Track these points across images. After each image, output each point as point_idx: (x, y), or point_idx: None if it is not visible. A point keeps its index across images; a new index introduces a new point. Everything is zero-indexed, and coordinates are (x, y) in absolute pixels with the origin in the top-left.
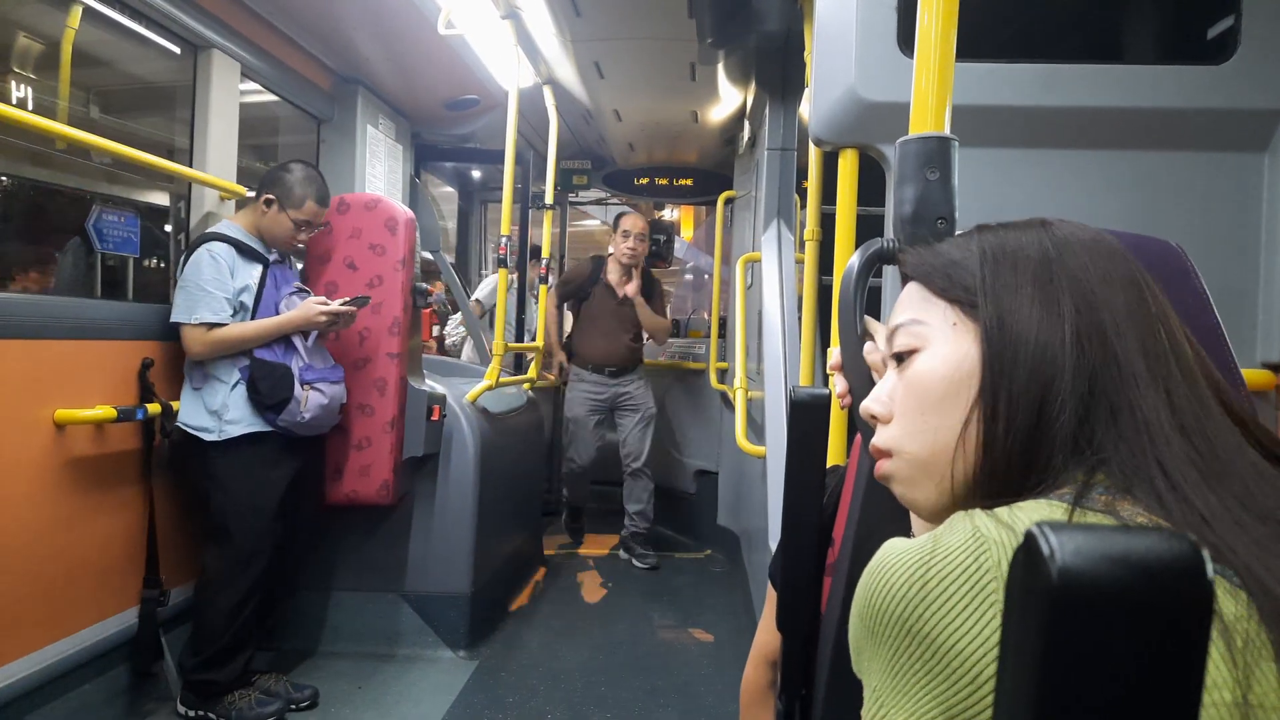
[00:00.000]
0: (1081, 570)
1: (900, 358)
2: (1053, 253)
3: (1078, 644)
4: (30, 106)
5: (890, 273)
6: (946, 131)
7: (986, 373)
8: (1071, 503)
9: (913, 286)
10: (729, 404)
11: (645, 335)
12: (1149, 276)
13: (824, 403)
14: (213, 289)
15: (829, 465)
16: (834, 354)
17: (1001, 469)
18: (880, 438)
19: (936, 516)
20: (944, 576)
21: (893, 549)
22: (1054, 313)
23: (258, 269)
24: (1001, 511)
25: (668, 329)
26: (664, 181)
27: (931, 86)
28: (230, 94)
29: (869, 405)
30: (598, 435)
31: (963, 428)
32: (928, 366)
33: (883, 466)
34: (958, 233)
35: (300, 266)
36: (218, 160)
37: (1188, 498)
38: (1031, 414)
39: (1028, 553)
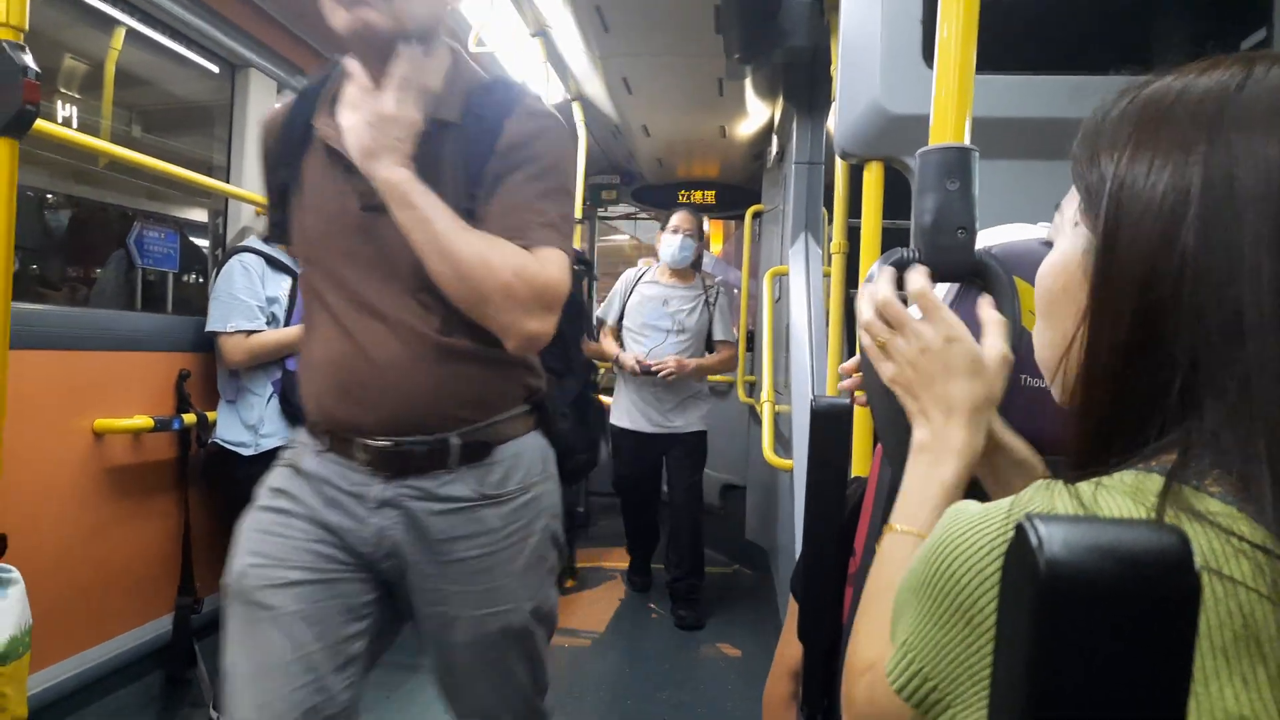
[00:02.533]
0: (1068, 562)
1: (1049, 246)
2: (1211, 122)
3: (1065, 634)
4: (75, 125)
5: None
6: (967, 142)
7: (1094, 289)
8: (1167, 473)
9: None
10: (757, 418)
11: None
12: None
13: (844, 412)
14: (245, 297)
15: (853, 475)
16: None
17: (1097, 413)
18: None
19: (1068, 404)
20: None
21: (961, 521)
22: (1180, 220)
23: (287, 281)
24: (1084, 489)
25: (540, 287)
26: (697, 196)
27: (951, 97)
28: (267, 112)
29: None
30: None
31: (1067, 344)
32: (1044, 269)
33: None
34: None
35: None
36: (254, 176)
37: None
38: (1134, 352)
39: (1018, 544)
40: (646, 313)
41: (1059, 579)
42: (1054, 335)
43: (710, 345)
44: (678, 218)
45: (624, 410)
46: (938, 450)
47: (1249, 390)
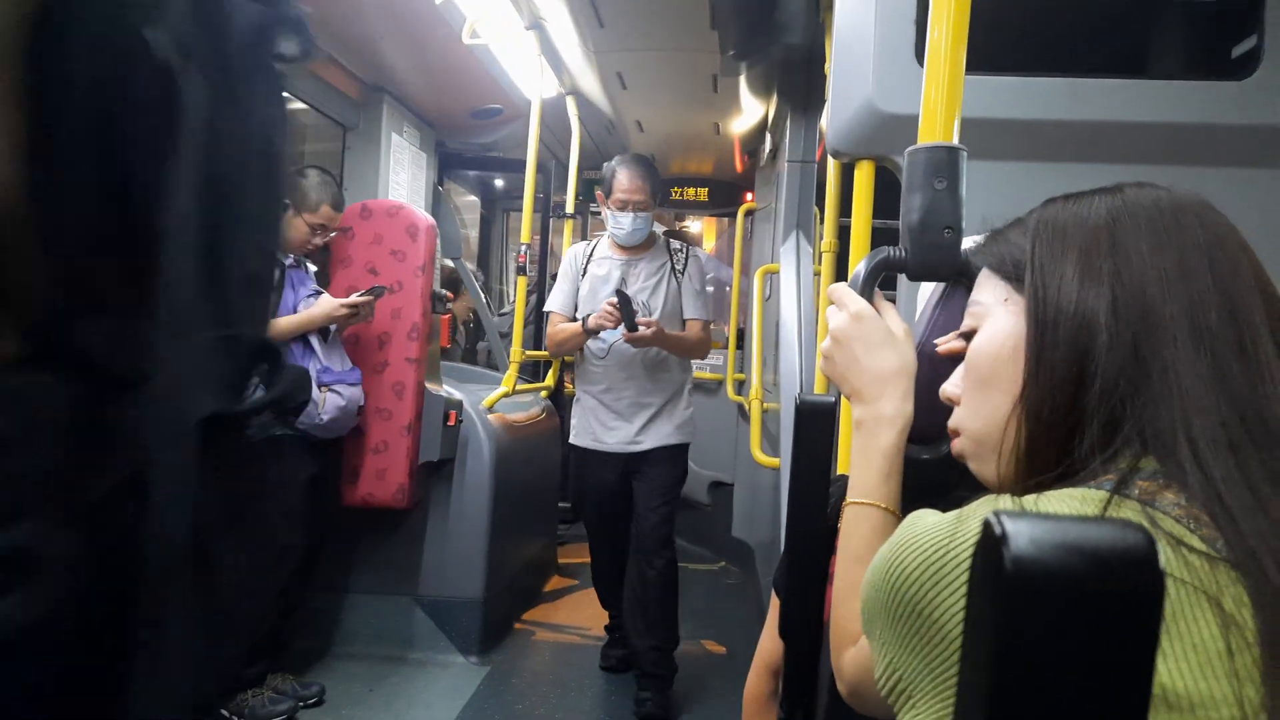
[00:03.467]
0: (1034, 558)
1: (968, 339)
2: (1105, 219)
3: (1031, 630)
4: None
5: (904, 283)
6: (955, 142)
7: (1031, 344)
8: (1111, 490)
9: (983, 270)
10: (746, 416)
11: None
12: (1233, 245)
13: (829, 410)
14: None
15: (837, 474)
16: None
17: (1042, 444)
18: (952, 418)
19: (1006, 492)
20: (957, 566)
21: (916, 527)
22: (1095, 280)
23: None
24: (1028, 499)
25: None
26: (689, 192)
27: (941, 97)
28: None
29: (945, 388)
30: None
31: (1014, 403)
32: (978, 344)
33: (955, 445)
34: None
35: (314, 269)
36: None
37: (1206, 465)
38: (1070, 384)
39: (984, 540)
40: (601, 301)
41: (1025, 574)
42: (998, 400)
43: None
44: (623, 185)
45: (582, 421)
46: (873, 422)
47: (1170, 392)
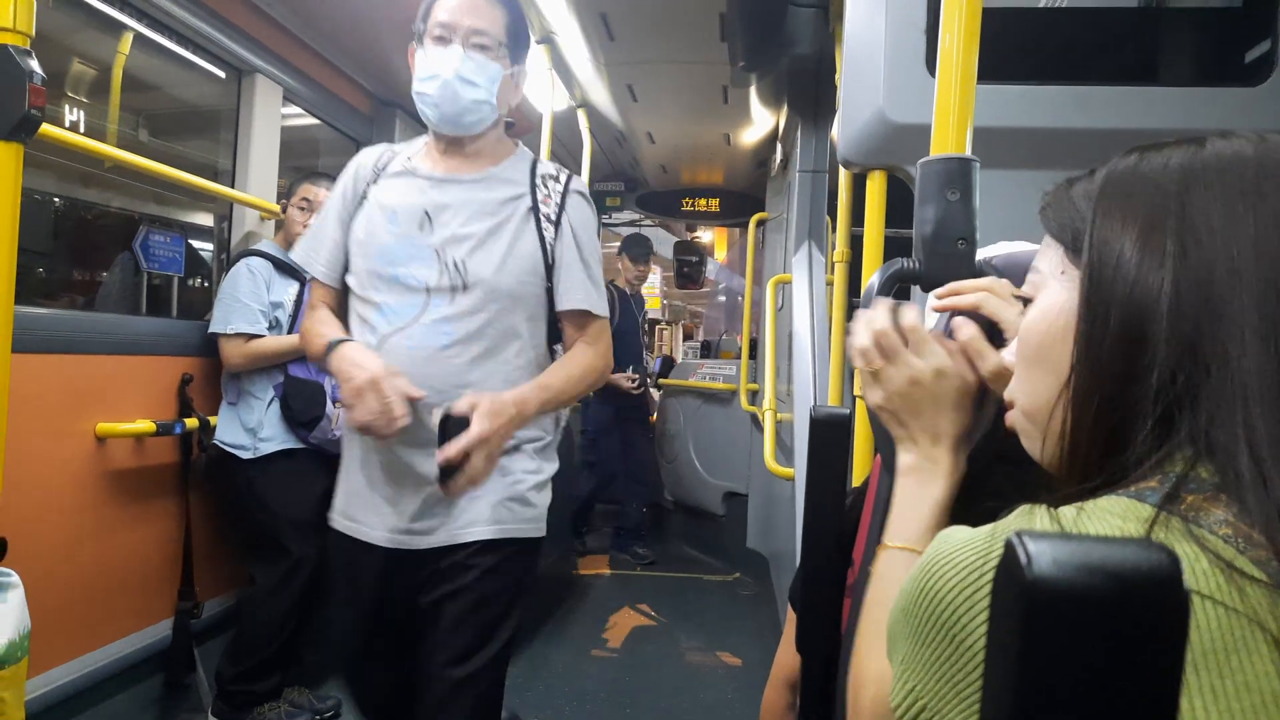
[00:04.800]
0: (1056, 580)
1: (1026, 305)
2: (1177, 184)
3: (1052, 652)
4: (82, 129)
5: (919, 295)
6: (968, 152)
7: (1080, 328)
8: (1157, 504)
9: (1045, 235)
10: (760, 426)
11: None
12: None
13: (843, 421)
14: (248, 300)
15: (852, 485)
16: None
17: (1086, 435)
18: (1008, 387)
19: (1053, 470)
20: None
21: (948, 545)
22: (1156, 260)
23: (294, 286)
24: (1066, 512)
25: None
26: (700, 203)
27: (953, 108)
28: (272, 117)
29: (1005, 356)
30: None
31: (1062, 386)
32: (1031, 317)
33: (1008, 418)
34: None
35: None
36: (259, 181)
37: (1271, 481)
38: (1120, 376)
39: (1007, 561)
40: (382, 244)
41: (1047, 596)
42: (1047, 379)
43: (555, 328)
44: (448, 3)
45: (342, 483)
46: (926, 472)
47: (1233, 395)
